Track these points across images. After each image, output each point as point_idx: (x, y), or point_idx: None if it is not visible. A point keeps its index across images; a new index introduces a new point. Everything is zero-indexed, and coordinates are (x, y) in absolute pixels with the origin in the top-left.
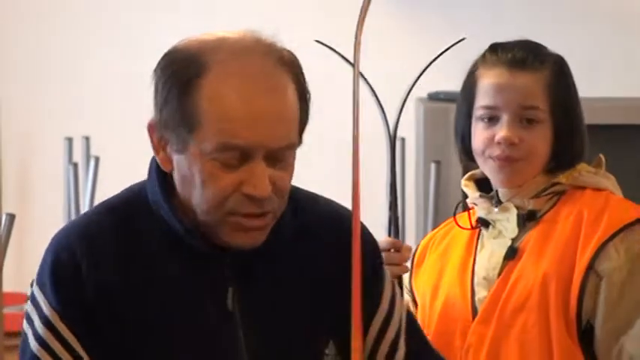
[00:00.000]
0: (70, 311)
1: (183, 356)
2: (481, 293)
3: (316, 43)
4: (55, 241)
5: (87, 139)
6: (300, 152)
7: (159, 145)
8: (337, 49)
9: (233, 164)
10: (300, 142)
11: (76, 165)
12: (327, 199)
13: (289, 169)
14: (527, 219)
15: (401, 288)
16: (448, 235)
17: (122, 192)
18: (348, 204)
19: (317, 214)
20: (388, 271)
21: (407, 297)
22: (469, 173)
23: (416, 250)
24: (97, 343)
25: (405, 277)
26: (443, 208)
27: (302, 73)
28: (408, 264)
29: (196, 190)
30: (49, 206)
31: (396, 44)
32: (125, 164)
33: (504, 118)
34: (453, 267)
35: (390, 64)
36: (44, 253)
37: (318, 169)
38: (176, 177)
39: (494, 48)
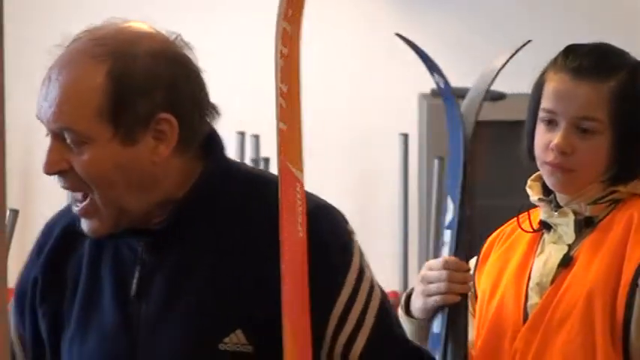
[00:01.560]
0: (34, 285)
1: (82, 338)
2: (533, 299)
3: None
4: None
5: None
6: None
7: None
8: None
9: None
10: (134, 141)
11: None
12: (271, 179)
13: (87, 156)
14: (584, 225)
15: (467, 310)
16: (514, 233)
17: None
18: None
19: (253, 194)
20: (357, 248)
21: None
22: (536, 174)
23: (483, 245)
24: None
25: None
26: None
27: (133, 75)
28: (471, 263)
29: None
30: (53, 201)
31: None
32: None
33: (562, 125)
34: (512, 268)
35: (393, 62)
36: None
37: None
38: None
39: (567, 51)
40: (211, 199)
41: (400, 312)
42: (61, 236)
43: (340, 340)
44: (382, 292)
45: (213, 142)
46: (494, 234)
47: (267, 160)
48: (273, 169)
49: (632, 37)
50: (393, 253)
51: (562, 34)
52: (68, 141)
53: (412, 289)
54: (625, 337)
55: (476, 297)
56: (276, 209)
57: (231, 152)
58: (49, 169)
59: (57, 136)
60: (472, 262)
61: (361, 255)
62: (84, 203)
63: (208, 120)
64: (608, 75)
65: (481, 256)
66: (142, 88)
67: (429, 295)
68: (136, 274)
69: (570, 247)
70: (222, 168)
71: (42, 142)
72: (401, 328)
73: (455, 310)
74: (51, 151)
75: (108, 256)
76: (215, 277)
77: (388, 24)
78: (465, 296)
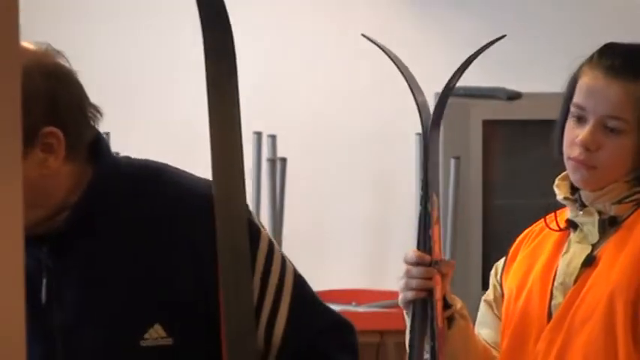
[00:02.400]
0: None
1: None
2: (558, 299)
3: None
4: None
5: (107, 134)
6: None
7: None
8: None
9: None
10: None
11: None
12: (179, 175)
13: None
14: (608, 225)
15: (432, 305)
16: (543, 232)
17: None
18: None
19: (158, 194)
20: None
21: (492, 294)
22: (564, 173)
23: (512, 244)
24: None
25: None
26: (462, 203)
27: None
28: (499, 265)
29: None
30: None
31: (407, 41)
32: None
33: (590, 121)
34: (539, 267)
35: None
36: None
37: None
38: None
39: (604, 49)
40: (106, 200)
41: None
42: None
43: (261, 322)
44: (294, 266)
45: (99, 145)
46: (523, 234)
47: (284, 160)
48: (290, 168)
49: None
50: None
51: (580, 34)
52: None
53: None
54: None
55: (502, 297)
56: (173, 199)
57: (248, 152)
58: None
59: None
60: (500, 262)
61: (265, 228)
62: None
63: (92, 123)
64: (639, 76)
65: (509, 256)
66: (35, 105)
67: (400, 292)
68: (44, 282)
69: (594, 246)
70: (111, 168)
71: None
72: (318, 299)
73: (420, 304)
74: None
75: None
76: (124, 275)
77: (403, 24)
78: (429, 292)
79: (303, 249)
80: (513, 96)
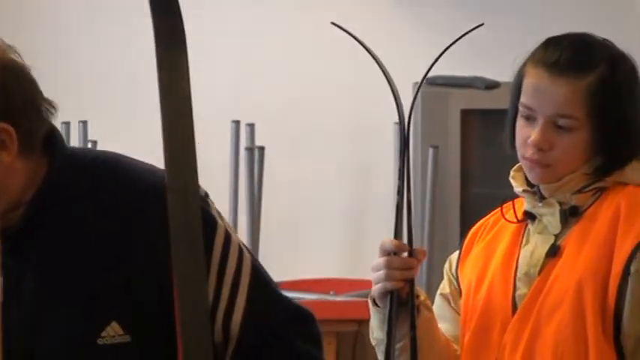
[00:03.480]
0: None
1: None
2: (522, 289)
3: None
4: None
5: (84, 123)
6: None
7: None
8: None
9: None
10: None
11: None
12: (132, 164)
13: None
14: (570, 215)
15: (412, 295)
16: (497, 224)
17: None
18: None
19: (110, 190)
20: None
21: (448, 288)
22: (519, 164)
23: (465, 237)
24: None
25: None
26: (440, 191)
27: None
28: (454, 258)
29: None
30: None
31: (385, 31)
32: (122, 148)
33: (539, 121)
34: (498, 259)
35: (381, 49)
36: None
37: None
38: None
39: (546, 44)
40: (61, 194)
41: (369, 302)
42: None
43: (219, 312)
44: (251, 253)
45: (54, 139)
46: (476, 226)
47: (262, 149)
48: (268, 157)
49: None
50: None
51: (559, 21)
52: None
53: None
54: (616, 326)
55: (460, 293)
56: (127, 190)
57: (226, 141)
58: None
59: None
60: (454, 256)
61: (222, 218)
62: None
63: (45, 117)
64: (585, 70)
65: (463, 249)
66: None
67: (375, 284)
68: (0, 281)
69: (557, 236)
70: (66, 162)
71: None
72: (277, 290)
73: (398, 294)
74: None
75: None
76: (80, 272)
77: (382, 13)
78: (410, 282)
79: (281, 238)
80: (491, 85)
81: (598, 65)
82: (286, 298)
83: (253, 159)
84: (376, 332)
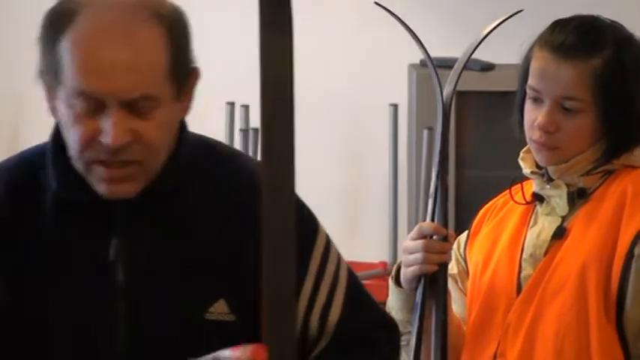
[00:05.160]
0: None
1: (60, 308)
2: (527, 270)
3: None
4: None
5: None
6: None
7: (48, 94)
8: None
9: (91, 111)
10: (184, 98)
11: None
12: (247, 158)
13: (156, 119)
14: (577, 197)
15: (445, 280)
16: (506, 205)
17: (23, 151)
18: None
19: (229, 167)
20: (321, 228)
21: (455, 268)
22: (527, 146)
23: (474, 218)
24: None
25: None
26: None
27: (182, 31)
28: (462, 239)
29: (67, 136)
30: None
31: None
32: None
33: (546, 103)
34: (505, 240)
35: (376, 32)
36: None
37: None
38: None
39: (553, 27)
40: (184, 170)
41: (390, 283)
42: (8, 194)
43: (316, 308)
44: (347, 264)
45: None
46: (485, 207)
47: (256, 131)
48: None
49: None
50: (382, 224)
51: (554, 4)
52: (139, 109)
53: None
54: (619, 309)
55: (467, 274)
56: (236, 175)
57: (221, 122)
58: (120, 141)
59: (126, 105)
60: (463, 236)
61: (319, 222)
62: (128, 169)
63: None
64: (591, 53)
65: (472, 230)
66: (189, 46)
67: (409, 266)
68: (113, 242)
69: (564, 218)
70: (190, 138)
71: (30, 114)
72: (371, 297)
73: (433, 278)
74: (118, 123)
75: (74, 220)
76: (193, 248)
77: None
78: (444, 266)
79: None
80: (487, 67)
81: (604, 48)
82: (377, 304)
83: (248, 140)
84: (397, 313)
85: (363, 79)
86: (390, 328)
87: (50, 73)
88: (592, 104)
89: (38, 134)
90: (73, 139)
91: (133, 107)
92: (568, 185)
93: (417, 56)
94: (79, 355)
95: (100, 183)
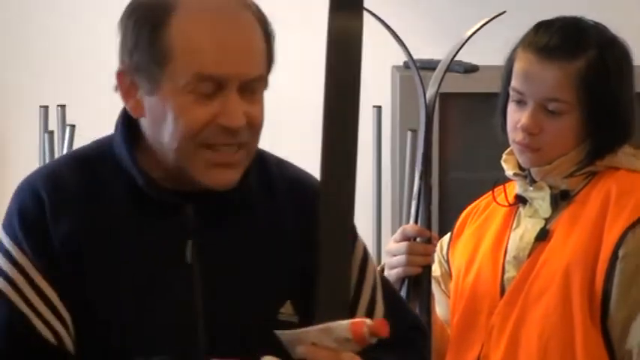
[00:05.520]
0: (40, 258)
1: (138, 307)
2: (510, 272)
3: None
4: (22, 188)
5: (62, 107)
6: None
7: (129, 92)
8: None
9: (207, 96)
10: (266, 83)
11: (51, 133)
12: (292, 164)
13: (261, 102)
14: (560, 198)
15: (429, 282)
16: (489, 207)
17: (90, 144)
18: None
19: (283, 175)
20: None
21: (438, 270)
22: (511, 148)
23: (457, 220)
24: (65, 293)
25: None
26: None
27: (267, 21)
28: (445, 241)
29: (168, 127)
30: (25, 175)
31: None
32: (100, 132)
33: (529, 105)
34: (488, 242)
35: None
36: (11, 201)
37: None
38: (147, 122)
39: (537, 28)
40: (261, 168)
41: None
42: (54, 202)
43: (360, 309)
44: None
45: None
46: (468, 209)
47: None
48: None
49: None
50: (366, 226)
51: (537, 5)
52: (251, 91)
53: (385, 263)
54: (603, 310)
55: (450, 276)
56: (303, 186)
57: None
58: (240, 122)
59: (242, 88)
60: (445, 239)
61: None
62: (238, 154)
63: None
64: (575, 55)
65: (454, 232)
66: (273, 34)
67: (393, 268)
68: (189, 243)
69: (547, 220)
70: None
71: (13, 116)
72: (405, 302)
73: (416, 280)
74: (239, 104)
75: (149, 220)
76: (264, 252)
77: None
78: (427, 268)
79: None
80: (470, 69)
81: (588, 50)
82: (411, 308)
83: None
84: None
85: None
86: (424, 330)
87: (149, 67)
88: (576, 106)
89: (23, 137)
90: (183, 124)
91: (247, 89)
92: (551, 187)
93: (401, 58)
94: (160, 352)
95: (208, 169)
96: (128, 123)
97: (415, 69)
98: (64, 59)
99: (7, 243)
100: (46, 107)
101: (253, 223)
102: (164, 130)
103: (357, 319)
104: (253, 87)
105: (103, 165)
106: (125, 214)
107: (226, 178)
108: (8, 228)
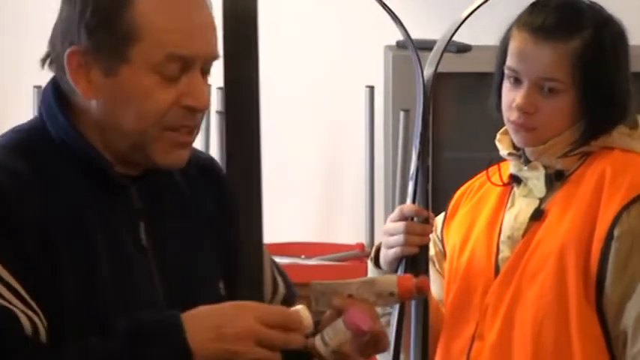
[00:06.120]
0: (6, 253)
1: (105, 291)
2: (505, 252)
3: None
4: None
5: None
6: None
7: (78, 72)
8: None
9: (174, 77)
10: None
11: None
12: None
13: (207, 85)
14: (555, 178)
15: (426, 262)
16: (483, 187)
17: (12, 133)
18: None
19: (196, 155)
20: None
21: (432, 250)
22: (505, 127)
23: (450, 200)
24: (36, 283)
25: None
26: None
27: None
28: (439, 220)
29: (131, 109)
30: None
31: None
32: None
33: (524, 84)
34: (482, 221)
35: (352, 13)
36: None
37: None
38: (101, 104)
39: (532, 8)
40: None
41: (370, 264)
42: (34, 178)
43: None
44: None
45: None
46: (462, 189)
47: None
48: None
49: None
50: (359, 206)
51: None
52: (208, 72)
53: (381, 243)
54: (598, 290)
55: (444, 255)
56: (206, 157)
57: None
58: (207, 103)
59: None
60: (439, 218)
61: None
62: (194, 133)
63: None
64: (571, 34)
65: (449, 211)
66: None
67: (390, 247)
68: (141, 225)
69: (541, 200)
70: None
71: (10, 98)
72: None
73: (413, 260)
74: (204, 85)
75: (102, 200)
76: (197, 226)
77: None
78: (424, 247)
79: None
80: (463, 49)
81: (583, 30)
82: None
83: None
84: None
85: (338, 60)
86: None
87: (111, 48)
88: (571, 85)
89: (16, 119)
90: (148, 107)
91: (206, 69)
92: (545, 167)
93: (393, 38)
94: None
95: (168, 150)
96: (62, 104)
97: (413, 49)
98: None
99: None
100: (39, 87)
101: (182, 203)
102: (124, 112)
103: (403, 274)
104: (208, 67)
105: (42, 149)
106: (82, 195)
107: (182, 158)
108: None
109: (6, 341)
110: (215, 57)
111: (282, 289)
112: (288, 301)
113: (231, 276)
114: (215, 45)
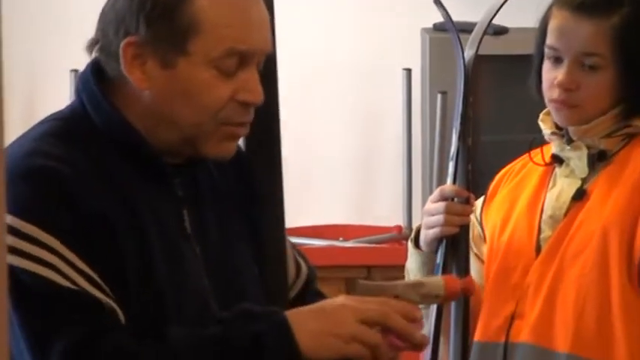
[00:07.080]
0: (75, 237)
1: (162, 281)
2: (546, 232)
3: None
4: (31, 172)
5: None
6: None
7: (133, 63)
8: None
9: (231, 72)
10: None
11: None
12: None
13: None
14: (597, 159)
15: (467, 242)
16: (524, 168)
17: (52, 119)
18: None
19: None
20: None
21: (472, 232)
22: (547, 109)
23: (491, 182)
24: (103, 269)
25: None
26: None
27: None
28: (478, 203)
29: (187, 103)
30: None
31: None
32: None
33: (565, 61)
34: (523, 201)
35: None
36: (18, 187)
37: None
38: (154, 95)
39: None
40: None
41: (410, 245)
42: (88, 170)
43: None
44: None
45: None
46: (502, 171)
47: None
48: None
49: None
50: (396, 188)
51: None
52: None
53: (421, 223)
54: None
55: (483, 238)
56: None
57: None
58: (262, 98)
59: (258, 64)
60: (479, 202)
61: None
62: (246, 127)
63: None
64: (610, 10)
65: (488, 194)
66: None
67: (430, 227)
68: (185, 211)
69: (583, 180)
70: None
71: (44, 81)
72: None
73: (454, 240)
74: (257, 80)
75: (149, 186)
76: (230, 209)
77: None
78: (465, 228)
79: (290, 185)
80: (500, 31)
81: (623, 6)
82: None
83: None
84: (416, 275)
85: (375, 43)
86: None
87: (169, 40)
88: (611, 61)
89: (54, 101)
90: (206, 102)
91: (258, 66)
92: (588, 147)
93: (430, 21)
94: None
95: (220, 142)
96: (104, 93)
97: (455, 31)
98: (95, 23)
99: (31, 230)
100: (76, 71)
101: (214, 189)
102: (180, 105)
103: (447, 276)
104: (262, 62)
105: (88, 136)
106: (133, 183)
107: (231, 149)
108: (28, 214)
109: (114, 333)
110: (269, 52)
111: (304, 269)
112: (311, 281)
113: (259, 256)
114: (270, 40)
